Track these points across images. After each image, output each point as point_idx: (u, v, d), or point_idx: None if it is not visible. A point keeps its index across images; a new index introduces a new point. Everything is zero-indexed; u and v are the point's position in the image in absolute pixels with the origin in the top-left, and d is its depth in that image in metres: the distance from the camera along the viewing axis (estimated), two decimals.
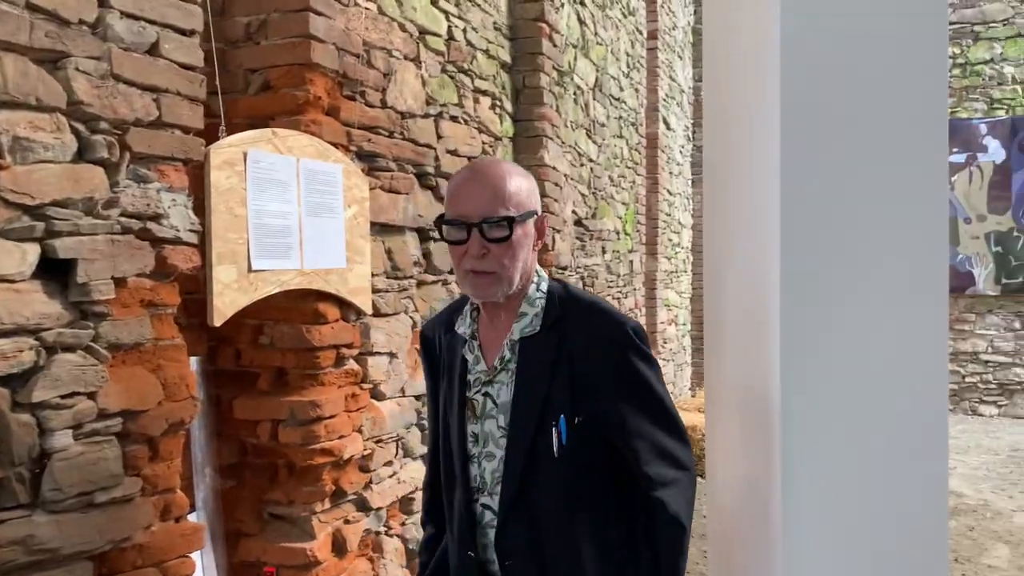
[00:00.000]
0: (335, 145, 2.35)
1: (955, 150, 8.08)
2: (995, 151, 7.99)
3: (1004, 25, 8.07)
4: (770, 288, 1.52)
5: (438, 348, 1.52)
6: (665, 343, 6.91)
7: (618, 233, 5.43)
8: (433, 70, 2.94)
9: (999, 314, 8.10)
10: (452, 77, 3.07)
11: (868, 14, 1.46)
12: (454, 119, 3.06)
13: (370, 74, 2.54)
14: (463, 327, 1.46)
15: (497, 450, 1.39)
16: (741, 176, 1.75)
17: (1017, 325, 8.04)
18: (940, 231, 1.52)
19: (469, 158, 3.19)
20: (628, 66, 5.72)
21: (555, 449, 1.34)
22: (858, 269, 1.50)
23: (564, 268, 3.93)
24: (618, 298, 5.49)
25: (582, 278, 4.32)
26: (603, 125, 4.82)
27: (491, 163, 1.46)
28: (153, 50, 1.75)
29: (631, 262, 5.87)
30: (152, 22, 1.74)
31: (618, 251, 5.44)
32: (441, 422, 1.51)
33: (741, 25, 1.71)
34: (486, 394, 1.41)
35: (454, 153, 3.06)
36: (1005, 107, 8.07)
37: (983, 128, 8.02)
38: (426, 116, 2.86)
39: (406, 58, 2.75)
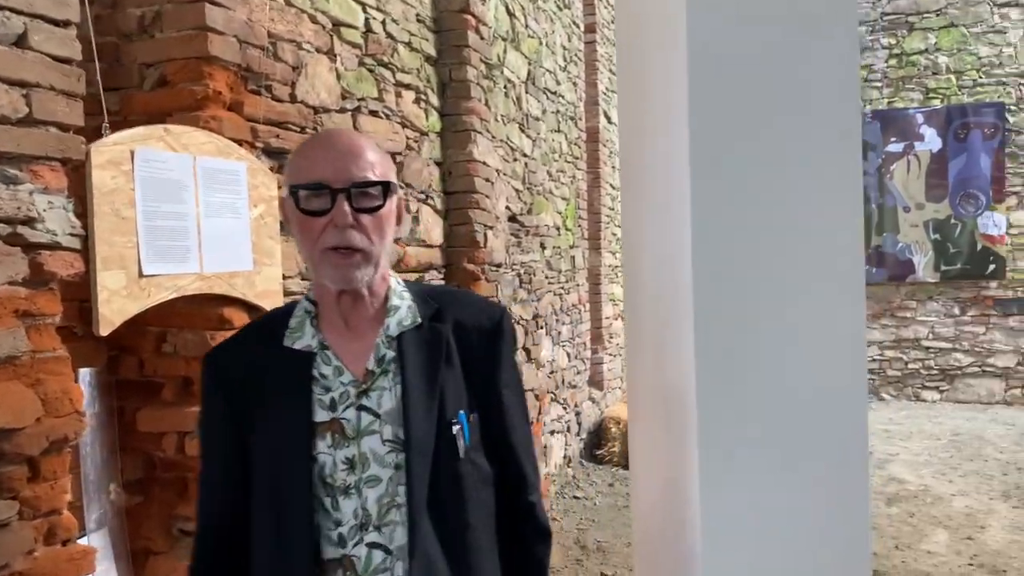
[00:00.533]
0: (239, 142, 2.24)
1: (893, 140, 8.19)
2: (931, 140, 8.11)
3: (937, 16, 8.18)
4: (683, 285, 1.47)
5: (246, 378, 1.22)
6: (611, 338, 6.88)
7: (559, 228, 5.38)
8: (349, 63, 2.84)
9: (939, 300, 8.22)
10: (371, 70, 2.98)
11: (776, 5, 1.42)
12: (374, 113, 2.96)
13: (277, 67, 2.43)
14: (304, 340, 1.21)
15: (383, 470, 1.16)
16: (654, 171, 1.70)
17: (956, 311, 8.18)
18: (854, 223, 1.48)
19: (393, 154, 3.10)
20: (565, 60, 5.66)
21: (461, 450, 1.18)
22: (771, 263, 1.46)
23: (498, 265, 3.85)
24: (560, 294, 5.44)
25: (518, 275, 4.25)
26: (538, 119, 4.75)
27: (345, 130, 1.30)
28: (21, 42, 1.62)
29: (573, 257, 5.82)
30: (18, 12, 1.61)
31: (559, 247, 5.38)
32: (261, 468, 1.19)
33: (650, 19, 1.66)
34: (361, 407, 1.17)
35: None
36: (940, 96, 8.19)
37: (919, 117, 8.14)
38: (342, 111, 2.76)
39: (318, 51, 2.65)
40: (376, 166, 1.15)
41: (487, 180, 3.69)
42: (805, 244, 1.45)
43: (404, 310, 1.23)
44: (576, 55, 6.06)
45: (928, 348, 8.28)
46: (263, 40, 2.37)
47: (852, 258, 1.47)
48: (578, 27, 6.14)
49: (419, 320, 1.22)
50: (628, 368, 2.02)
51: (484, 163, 3.65)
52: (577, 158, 6.03)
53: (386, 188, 1.16)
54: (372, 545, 1.15)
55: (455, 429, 1.19)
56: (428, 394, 1.18)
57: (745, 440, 1.45)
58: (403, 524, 1.15)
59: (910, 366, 8.34)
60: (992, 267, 7.98)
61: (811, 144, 1.44)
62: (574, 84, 5.96)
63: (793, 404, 1.46)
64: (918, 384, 8.32)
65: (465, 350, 1.24)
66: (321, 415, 1.17)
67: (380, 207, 1.15)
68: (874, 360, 8.43)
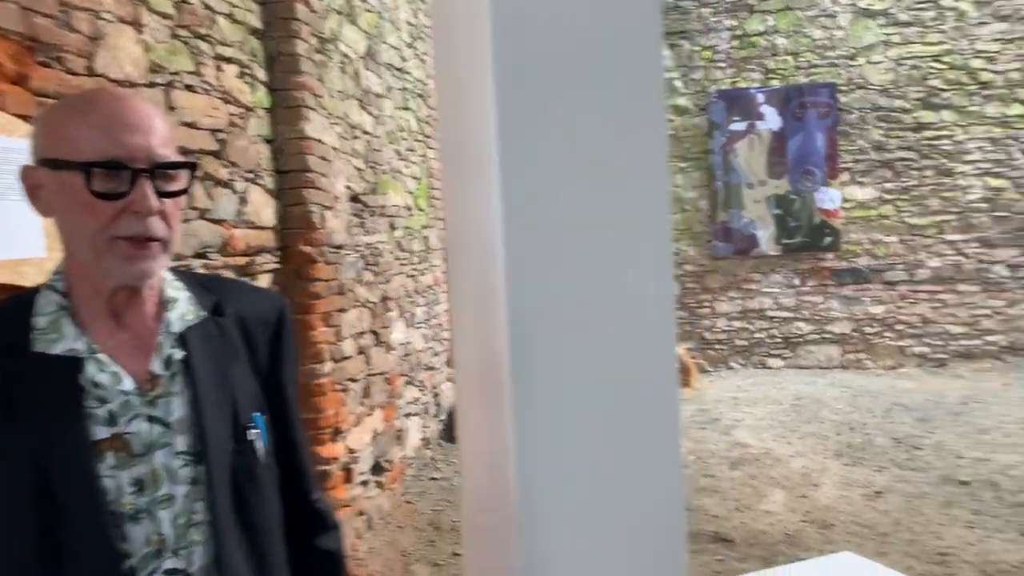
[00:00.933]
0: (26, 118, 2.06)
1: (736, 119, 8.52)
2: (772, 119, 8.48)
3: None
4: (496, 256, 1.45)
5: None
6: None
7: (409, 209, 5.30)
8: (160, 35, 2.67)
9: (781, 272, 8.64)
10: (186, 43, 2.81)
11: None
12: (190, 88, 2.80)
13: (71, 38, 2.25)
14: (64, 342, 1.00)
15: (178, 487, 1.01)
16: (467, 147, 1.67)
17: (797, 282, 8.62)
18: (661, 204, 1.50)
19: (213, 131, 2.95)
20: (412, 36, 5.56)
21: (260, 454, 1.08)
22: (580, 237, 1.46)
23: (339, 247, 3.75)
24: (414, 275, 5.37)
25: (363, 256, 4.16)
26: (381, 96, 4.64)
27: (128, 94, 1.06)
28: None
29: (426, 238, 5.76)
30: None
31: (410, 227, 5.31)
32: (11, 507, 0.96)
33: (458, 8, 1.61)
34: (151, 418, 1.01)
35: (192, 125, 2.80)
36: (779, 77, 8.57)
37: (760, 97, 8.49)
38: (152, 85, 2.60)
39: (121, 21, 2.47)
40: (172, 141, 1.02)
41: (323, 158, 3.57)
42: (613, 218, 1.45)
43: (183, 303, 1.09)
44: (424, 31, 5.97)
45: (772, 318, 8.71)
46: (52, 8, 2.19)
47: (660, 233, 1.49)
48: (425, 2, 6.05)
49: (203, 314, 1.09)
50: (453, 342, 2.01)
51: (319, 141, 3.53)
52: (428, 136, 5.96)
53: (192, 169, 1.04)
54: (170, 572, 1.01)
55: (252, 433, 1.08)
56: (221, 397, 1.06)
57: (559, 411, 1.46)
58: (204, 543, 1.03)
59: (756, 335, 8.75)
60: (828, 239, 8.45)
61: (617, 121, 1.44)
62: (422, 61, 5.87)
63: (606, 377, 1.47)
64: (764, 352, 8.74)
65: (250, 345, 1.13)
66: (99, 432, 0.98)
67: (185, 191, 1.02)
68: (723, 331, 8.79)
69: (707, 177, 8.66)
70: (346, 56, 4.07)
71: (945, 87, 8.33)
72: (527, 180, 1.46)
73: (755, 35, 8.61)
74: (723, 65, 8.68)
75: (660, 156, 1.54)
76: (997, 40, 8.22)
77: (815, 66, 8.52)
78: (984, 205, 8.30)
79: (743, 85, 8.62)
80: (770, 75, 8.59)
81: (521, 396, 1.50)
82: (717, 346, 8.81)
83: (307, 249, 3.44)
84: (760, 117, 8.49)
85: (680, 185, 8.76)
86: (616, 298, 1.53)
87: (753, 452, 5.64)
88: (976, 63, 8.27)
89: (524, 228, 1.48)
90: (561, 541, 1.50)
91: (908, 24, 8.36)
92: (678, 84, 8.76)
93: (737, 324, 8.77)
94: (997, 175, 8.28)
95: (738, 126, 8.53)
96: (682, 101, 8.75)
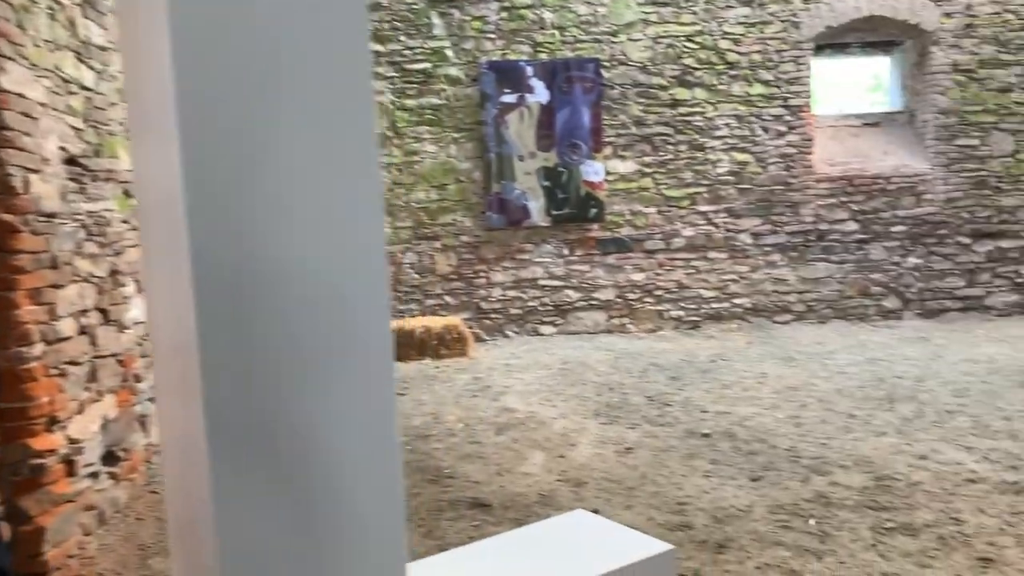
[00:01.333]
0: None
1: (506, 91, 8.62)
2: (540, 92, 8.65)
3: None
4: (179, 219, 1.29)
5: None
6: None
7: None
8: None
9: (551, 242, 8.89)
10: None
11: None
12: None
13: None
14: None
15: None
16: (150, 123, 1.48)
17: (566, 252, 8.91)
18: (371, 173, 1.40)
19: None
20: None
21: None
22: (275, 212, 1.32)
23: (51, 215, 3.36)
24: None
25: (84, 226, 3.75)
26: (106, 49, 4.21)
27: None
28: None
29: None
30: None
31: None
32: None
33: None
34: None
35: None
36: (547, 50, 8.75)
37: (529, 70, 8.63)
38: None
39: None
40: None
41: (26, 115, 3.17)
42: (318, 188, 1.33)
43: None
44: None
45: (544, 286, 8.95)
46: None
47: (370, 201, 1.38)
48: None
49: None
50: (149, 329, 1.81)
51: (20, 95, 3.13)
52: None
53: None
54: None
55: None
56: None
57: (253, 395, 1.33)
58: None
59: (529, 304, 8.96)
60: (594, 211, 8.78)
61: (316, 82, 1.31)
62: None
63: (308, 356, 1.35)
64: (536, 320, 8.98)
65: None
66: None
67: None
68: (499, 301, 8.93)
69: (480, 148, 8.71)
70: (56, 2, 3.63)
71: (697, 66, 8.86)
72: (212, 149, 1.29)
73: (523, 8, 8.73)
74: (493, 36, 8.73)
75: (367, 119, 1.42)
76: (741, 24, 8.84)
77: (580, 41, 8.78)
78: (731, 178, 8.95)
79: (513, 57, 8.72)
80: (538, 48, 8.75)
81: (212, 382, 1.35)
82: (493, 315, 8.94)
83: (7, 217, 3.04)
84: (530, 90, 8.64)
85: (454, 156, 8.76)
86: (319, 272, 1.40)
87: (519, 416, 5.75)
88: (724, 44, 8.86)
89: (211, 203, 1.32)
90: (262, 528, 1.37)
91: (664, 4, 8.79)
92: (449, 53, 8.72)
93: (511, 293, 8.94)
94: (742, 150, 8.94)
95: (509, 98, 8.63)
96: (454, 71, 8.73)
